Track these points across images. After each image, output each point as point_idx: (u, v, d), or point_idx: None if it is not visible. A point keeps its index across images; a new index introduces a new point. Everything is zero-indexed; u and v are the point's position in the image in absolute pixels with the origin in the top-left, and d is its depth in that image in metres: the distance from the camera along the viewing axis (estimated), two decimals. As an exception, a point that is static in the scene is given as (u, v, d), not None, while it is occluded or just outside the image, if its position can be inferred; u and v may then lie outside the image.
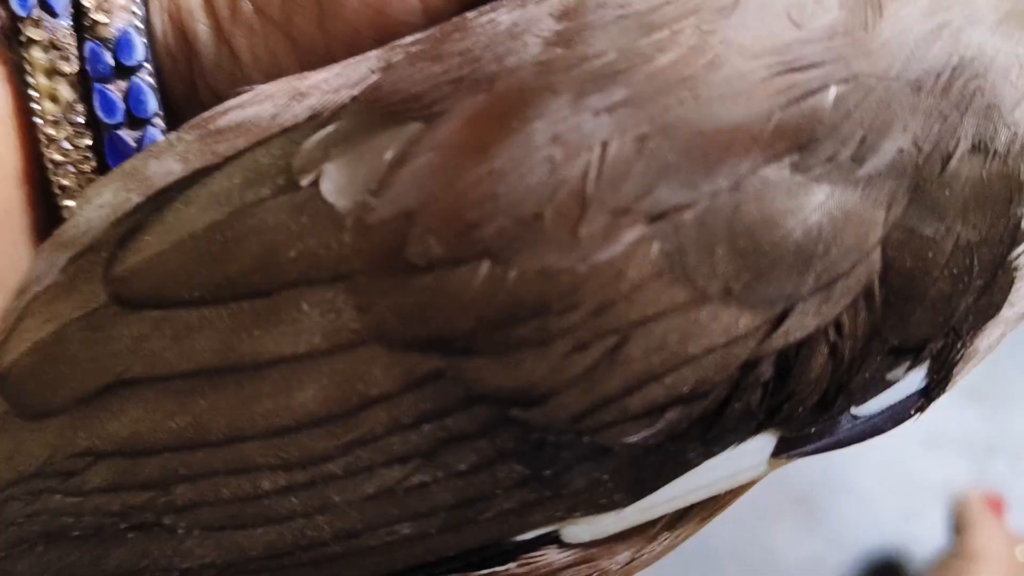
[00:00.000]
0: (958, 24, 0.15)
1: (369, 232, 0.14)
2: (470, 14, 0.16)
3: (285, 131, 0.15)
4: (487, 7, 0.16)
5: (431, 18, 0.16)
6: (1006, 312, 0.16)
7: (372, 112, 0.15)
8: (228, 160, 0.15)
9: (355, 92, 0.15)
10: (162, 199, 0.16)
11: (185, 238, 0.15)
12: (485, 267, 0.14)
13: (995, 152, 0.15)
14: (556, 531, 0.16)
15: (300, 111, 0.16)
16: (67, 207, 0.17)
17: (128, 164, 0.16)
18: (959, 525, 0.74)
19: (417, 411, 0.15)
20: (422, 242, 0.14)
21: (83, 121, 0.17)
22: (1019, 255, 0.16)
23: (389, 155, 0.15)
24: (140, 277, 0.15)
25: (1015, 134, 0.15)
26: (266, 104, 0.16)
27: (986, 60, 0.15)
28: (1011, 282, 0.16)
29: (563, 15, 0.15)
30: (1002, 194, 0.15)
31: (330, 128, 0.15)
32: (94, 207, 0.16)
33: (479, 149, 0.14)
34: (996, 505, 0.76)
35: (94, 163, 0.17)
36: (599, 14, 0.15)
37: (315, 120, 0.15)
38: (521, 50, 0.15)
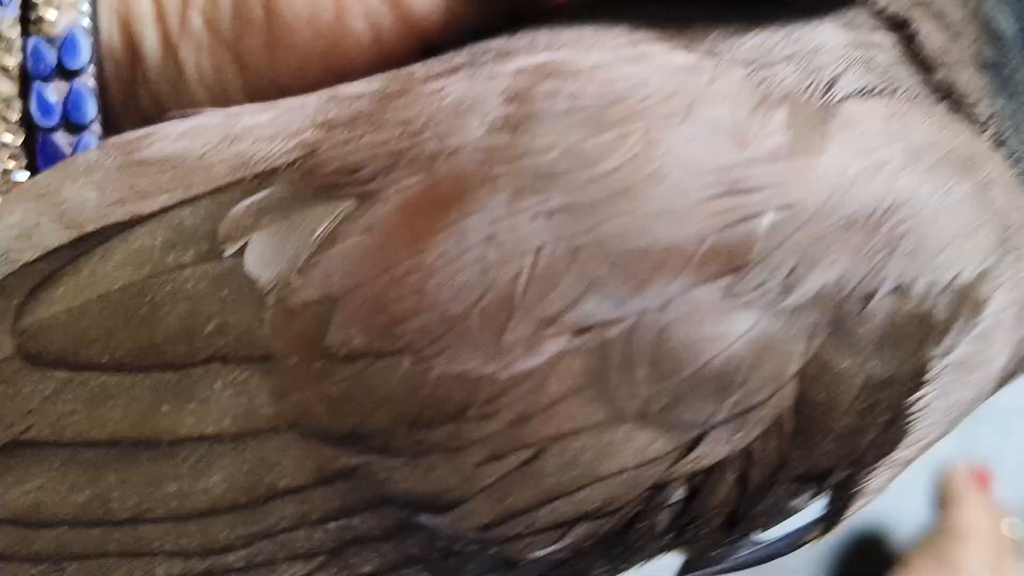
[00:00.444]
0: (896, 164, 0.15)
1: (291, 314, 0.14)
2: (419, 71, 0.16)
3: (215, 191, 0.15)
4: (438, 66, 0.16)
5: (384, 56, 0.17)
6: (899, 453, 0.17)
7: (307, 182, 0.15)
8: (152, 215, 0.15)
9: (290, 144, 0.15)
10: (80, 248, 0.15)
11: (100, 297, 0.15)
12: (406, 363, 0.14)
13: (914, 295, 0.15)
14: None
15: (229, 155, 0.16)
16: None
17: (43, 181, 0.16)
18: (944, 501, 0.74)
19: (325, 507, 0.15)
20: (344, 331, 0.14)
21: (17, 119, 0.17)
22: (916, 401, 0.16)
23: (319, 232, 0.15)
24: (50, 333, 0.15)
25: (934, 280, 0.16)
26: (196, 140, 0.16)
27: (917, 205, 0.15)
28: (907, 426, 0.16)
29: (512, 98, 0.15)
30: (915, 336, 0.16)
31: (261, 194, 0.15)
32: (3, 227, 0.16)
33: (411, 240, 0.14)
34: (982, 478, 0.76)
35: (24, 161, 0.17)
36: (549, 103, 0.15)
37: (245, 181, 0.15)
38: (464, 130, 0.15)
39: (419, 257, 0.14)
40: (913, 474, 0.69)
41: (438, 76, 0.16)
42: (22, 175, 0.17)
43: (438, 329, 0.14)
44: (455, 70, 0.16)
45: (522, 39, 0.16)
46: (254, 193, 0.15)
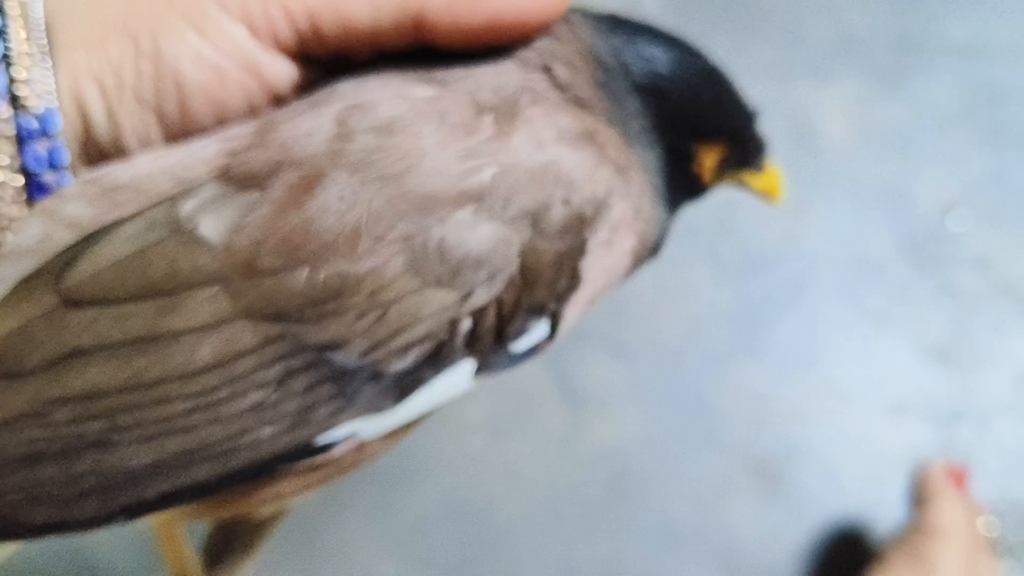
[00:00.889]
0: (551, 138, 0.28)
1: (235, 254, 0.25)
2: (278, 116, 0.27)
3: (168, 199, 0.26)
4: (290, 112, 0.28)
5: (253, 109, 0.28)
6: (580, 294, 0.29)
7: (228, 185, 0.26)
8: (131, 217, 0.26)
9: (210, 167, 0.26)
10: (90, 240, 0.26)
11: (113, 263, 0.25)
12: (305, 272, 0.25)
13: (574, 205, 0.28)
14: (356, 430, 0.27)
15: (171, 176, 0.26)
16: (3, 234, 0.27)
17: (48, 205, 0.27)
18: (920, 498, 0.75)
19: (270, 357, 0.25)
20: (267, 259, 0.25)
21: (17, 167, 0.27)
22: (583, 262, 0.29)
23: (242, 209, 0.26)
24: (85, 286, 0.25)
25: (582, 197, 0.28)
26: (146, 169, 0.27)
27: (566, 159, 0.28)
28: (581, 277, 0.29)
29: (339, 123, 0.27)
30: (577, 227, 0.28)
31: (202, 195, 0.26)
32: (27, 236, 0.26)
33: (296, 205, 0.25)
34: (958, 477, 0.77)
35: (24, 196, 0.27)
36: (357, 124, 0.26)
37: (186, 191, 0.26)
38: (316, 143, 0.26)
39: (303, 213, 0.25)
40: (891, 471, 0.71)
41: (292, 118, 0.27)
42: (24, 207, 0.27)
43: (320, 250, 0.25)
44: (302, 112, 0.27)
45: (338, 91, 0.28)
46: (195, 196, 0.26)
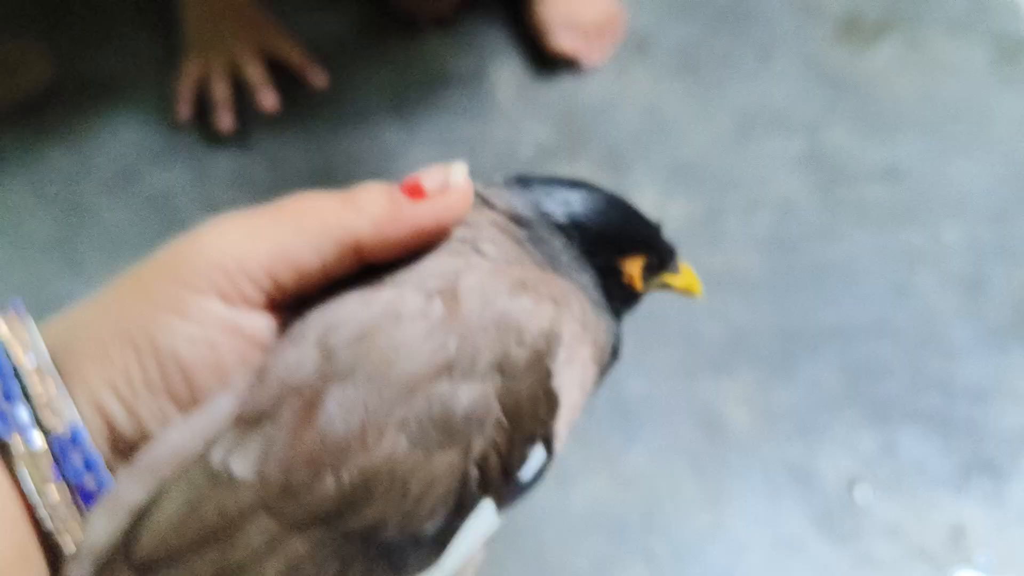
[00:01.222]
0: (494, 296, 0.33)
1: (268, 482, 0.30)
2: (268, 359, 0.33)
3: (199, 457, 0.31)
4: (275, 353, 0.33)
5: (247, 364, 0.33)
6: (562, 413, 0.35)
7: (244, 427, 0.31)
8: (173, 481, 0.31)
9: (226, 423, 0.32)
10: (144, 513, 0.30)
11: (173, 525, 0.30)
12: (331, 478, 0.30)
13: (530, 346, 0.33)
14: None
15: (196, 440, 0.32)
16: (64, 537, 0.32)
17: (108, 501, 0.31)
18: None
19: (326, 554, 0.30)
20: (296, 476, 0.30)
21: (59, 480, 0.32)
22: (554, 385, 0.34)
23: (262, 443, 0.31)
24: (152, 553, 0.30)
25: (533, 334, 0.33)
26: (179, 441, 0.32)
27: (513, 311, 0.33)
28: (558, 398, 0.34)
29: (320, 346, 0.32)
30: (537, 361, 0.33)
31: (225, 442, 0.31)
32: (95, 530, 0.31)
33: (307, 424, 0.31)
34: None
35: (72, 501, 0.32)
36: (335, 342, 0.32)
37: (211, 445, 0.31)
38: (307, 369, 0.32)
39: (313, 430, 0.30)
40: None
41: (279, 355, 0.33)
42: (74, 510, 0.32)
43: (337, 455, 0.30)
44: (287, 349, 0.33)
45: (309, 322, 0.34)
46: (220, 445, 0.31)
